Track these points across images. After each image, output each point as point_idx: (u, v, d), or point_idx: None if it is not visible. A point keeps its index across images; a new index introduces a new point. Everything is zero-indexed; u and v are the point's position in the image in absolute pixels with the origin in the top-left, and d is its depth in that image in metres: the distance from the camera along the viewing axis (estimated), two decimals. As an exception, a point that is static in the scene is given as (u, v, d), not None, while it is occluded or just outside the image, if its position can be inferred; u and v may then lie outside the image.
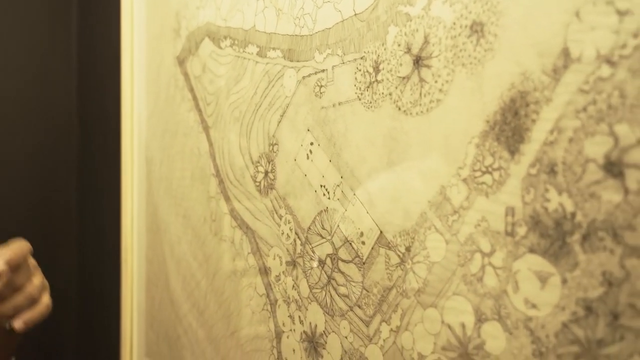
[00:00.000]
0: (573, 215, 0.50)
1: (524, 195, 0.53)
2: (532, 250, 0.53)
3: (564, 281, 0.50)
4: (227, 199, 0.98)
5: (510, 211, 0.55)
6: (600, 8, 0.48)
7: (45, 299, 0.83)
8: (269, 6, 0.88)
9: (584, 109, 0.49)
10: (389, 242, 0.68)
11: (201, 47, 1.05)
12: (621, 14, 0.46)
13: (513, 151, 0.54)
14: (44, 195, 1.72)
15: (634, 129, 0.46)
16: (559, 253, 0.51)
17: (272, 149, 0.87)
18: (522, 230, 0.54)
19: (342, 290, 0.74)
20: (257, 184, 0.91)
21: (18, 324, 0.79)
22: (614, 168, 0.47)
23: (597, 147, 0.48)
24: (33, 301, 0.81)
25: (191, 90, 1.08)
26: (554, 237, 0.51)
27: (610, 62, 0.47)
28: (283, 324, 0.85)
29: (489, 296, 0.57)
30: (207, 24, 1.03)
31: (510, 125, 0.55)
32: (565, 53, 0.50)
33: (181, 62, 1.12)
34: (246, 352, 0.93)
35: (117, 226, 1.35)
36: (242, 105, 0.94)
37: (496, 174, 0.56)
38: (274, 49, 0.87)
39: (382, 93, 0.68)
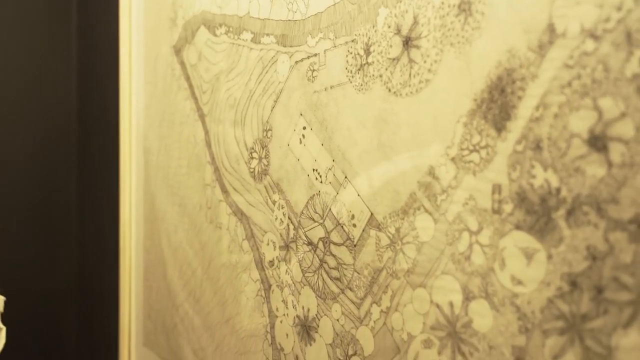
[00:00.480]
0: (558, 190, 0.50)
1: (510, 173, 0.54)
2: (518, 227, 0.53)
3: (550, 257, 0.50)
4: (223, 187, 0.98)
5: (497, 189, 0.55)
6: (584, -18, 0.48)
7: None
8: (262, -8, 0.88)
9: (569, 84, 0.49)
10: (379, 224, 0.68)
11: (197, 36, 1.05)
12: (605, -13, 0.46)
13: (500, 128, 0.54)
14: (43, 188, 1.73)
15: (617, 102, 0.46)
16: (545, 229, 0.51)
17: (266, 134, 0.87)
18: (508, 208, 0.54)
19: (334, 273, 0.74)
20: (252, 170, 0.91)
21: None
22: (597, 142, 0.47)
23: (581, 122, 0.48)
24: None
25: (187, 79, 1.09)
26: (539, 213, 0.51)
27: (594, 36, 0.47)
28: (277, 309, 0.86)
29: (476, 274, 0.57)
30: (202, 12, 1.04)
31: (497, 103, 0.55)
32: (551, 29, 0.50)
33: (177, 51, 1.12)
34: (241, 339, 0.94)
35: (116, 216, 1.35)
36: (237, 92, 0.94)
37: (483, 152, 0.56)
38: (267, 34, 0.87)
39: (373, 75, 0.68)
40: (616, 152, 0.46)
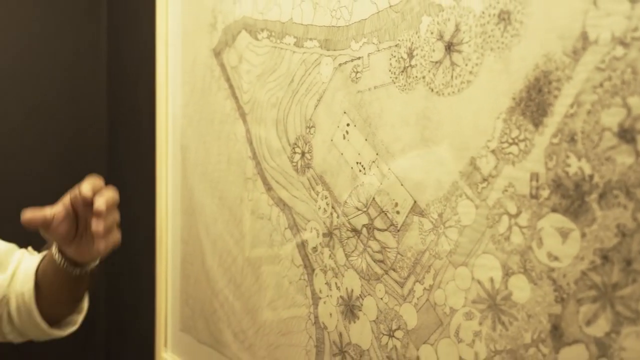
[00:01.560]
0: (591, 177, 0.57)
1: (547, 162, 0.61)
2: (554, 210, 0.61)
3: (583, 235, 0.58)
4: (264, 180, 1.06)
5: (534, 177, 0.62)
6: (615, -3, 0.55)
7: (117, 233, 0.89)
8: (305, 0, 0.95)
9: (601, 85, 0.56)
10: (422, 210, 0.75)
11: (238, 40, 1.13)
12: (633, 1, 0.54)
13: (537, 124, 0.62)
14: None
15: (644, 100, 0.53)
16: (579, 211, 0.58)
17: (309, 131, 0.95)
18: (545, 193, 0.61)
19: (378, 256, 0.82)
20: (294, 164, 0.98)
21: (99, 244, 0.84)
22: (627, 135, 0.54)
23: (612, 118, 0.55)
24: (110, 231, 0.87)
25: (227, 80, 1.16)
26: (574, 197, 0.59)
27: (623, 43, 0.55)
28: (320, 290, 0.93)
29: (515, 252, 0.64)
30: (243, 17, 1.11)
31: (534, 101, 0.62)
32: (584, 36, 0.58)
33: (217, 54, 1.20)
34: (283, 320, 1.01)
35: (152, 210, 1.43)
36: (279, 92, 1.02)
37: (522, 145, 0.64)
38: (310, 39, 0.94)
39: (416, 76, 0.76)
40: (643, 143, 0.53)
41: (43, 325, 0.98)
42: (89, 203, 0.83)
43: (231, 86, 1.15)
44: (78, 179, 0.88)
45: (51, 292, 0.97)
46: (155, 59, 1.41)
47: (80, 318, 1.04)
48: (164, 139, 1.39)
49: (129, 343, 1.65)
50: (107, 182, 0.88)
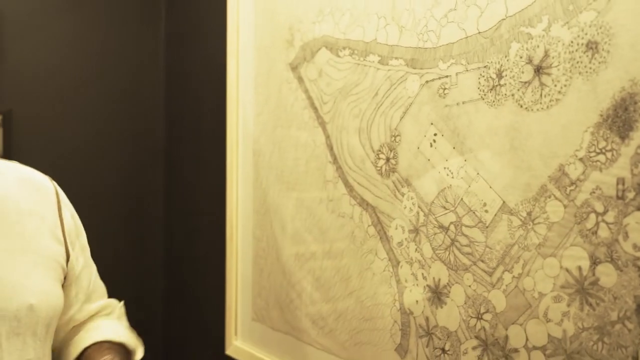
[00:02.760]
0: (673, 181, 0.70)
1: (632, 169, 0.74)
2: (639, 209, 0.73)
3: (666, 229, 0.70)
4: (346, 182, 1.18)
5: (620, 181, 0.75)
6: (696, 34, 0.68)
7: None
8: (390, 23, 1.08)
9: (683, 106, 0.69)
10: (511, 210, 0.88)
11: (317, 56, 1.25)
12: None
13: (623, 137, 0.74)
14: (136, 186, 1.92)
15: None
16: (662, 209, 0.71)
17: (394, 139, 1.07)
18: (631, 195, 0.74)
19: (466, 249, 0.94)
20: (378, 168, 1.11)
21: None
22: None
23: (692, 133, 0.68)
24: None
25: (305, 91, 1.28)
26: (657, 198, 0.71)
27: (703, 72, 0.67)
28: (405, 280, 1.06)
29: (602, 244, 0.77)
30: (324, 36, 1.23)
31: (621, 118, 0.75)
32: (667, 66, 0.70)
33: (294, 67, 1.32)
34: (367, 307, 1.14)
35: (223, 211, 1.55)
36: (362, 104, 1.14)
37: (609, 154, 0.76)
38: (396, 58, 1.07)
39: (505, 94, 0.88)
40: None
41: None
42: None
43: (309, 97, 1.27)
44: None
45: None
46: (226, 71, 1.53)
47: None
48: (234, 145, 1.51)
49: (192, 335, 1.76)
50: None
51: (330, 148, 1.22)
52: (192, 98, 1.79)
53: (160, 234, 1.96)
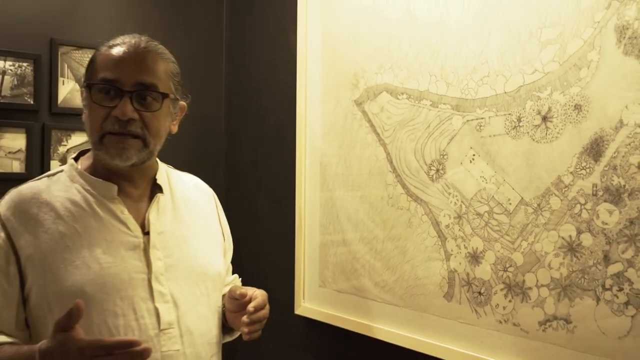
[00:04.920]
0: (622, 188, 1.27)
1: (601, 179, 1.30)
2: (606, 201, 1.30)
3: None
4: (403, 185, 1.72)
5: (594, 185, 1.32)
6: None
7: (258, 331, 1.39)
8: (440, 80, 1.62)
9: (629, 144, 1.26)
10: (526, 202, 1.44)
11: (379, 97, 1.79)
12: (645, 109, 1.24)
13: (596, 160, 1.31)
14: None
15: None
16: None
17: (443, 157, 1.62)
18: (600, 193, 1.30)
19: (496, 228, 1.50)
20: (430, 176, 1.65)
21: (246, 336, 1.37)
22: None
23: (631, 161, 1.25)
24: (253, 324, 1.35)
25: (369, 121, 1.82)
26: (615, 196, 1.28)
27: (640, 127, 1.24)
28: (451, 250, 1.61)
29: (584, 222, 1.34)
30: (385, 83, 1.77)
31: (594, 149, 1.31)
32: (621, 122, 1.27)
33: (359, 104, 1.85)
34: (420, 270, 1.68)
35: (292, 207, 2.07)
36: (417, 132, 1.68)
37: (587, 170, 1.33)
38: (444, 104, 1.62)
39: (523, 132, 1.44)
40: (649, 171, 1.23)
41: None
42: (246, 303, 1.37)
43: (372, 125, 1.81)
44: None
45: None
46: (296, 102, 2.05)
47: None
48: (302, 156, 2.03)
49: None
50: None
51: (390, 162, 1.76)
52: (255, 116, 2.31)
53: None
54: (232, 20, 2.55)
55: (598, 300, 1.31)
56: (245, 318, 1.32)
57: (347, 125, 1.90)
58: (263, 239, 2.29)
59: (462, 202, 1.58)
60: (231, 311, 1.43)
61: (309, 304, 2.04)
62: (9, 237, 1.27)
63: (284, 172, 2.13)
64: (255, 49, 2.37)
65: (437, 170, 1.64)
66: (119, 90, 1.28)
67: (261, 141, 2.29)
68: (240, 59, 2.42)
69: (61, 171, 1.40)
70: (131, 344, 1.07)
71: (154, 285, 1.29)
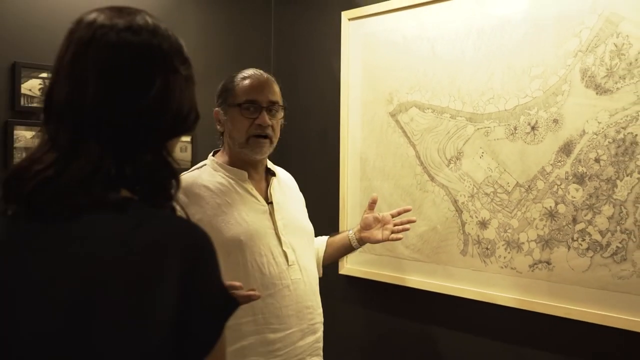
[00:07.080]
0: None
1: (572, 168, 1.99)
2: (574, 182, 1.99)
3: (583, 190, 1.97)
4: (429, 174, 2.39)
5: (567, 173, 2.01)
6: None
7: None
8: (457, 100, 2.30)
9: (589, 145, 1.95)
10: (520, 185, 2.12)
11: (410, 110, 2.45)
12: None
13: (567, 155, 2.01)
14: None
15: None
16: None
17: (459, 154, 2.29)
18: (571, 178, 1.99)
19: (499, 203, 2.18)
20: (450, 167, 2.32)
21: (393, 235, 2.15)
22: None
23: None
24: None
25: (401, 128, 2.48)
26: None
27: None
28: (466, 220, 2.28)
29: (559, 197, 2.03)
30: (414, 100, 2.43)
31: (567, 148, 2.01)
32: (583, 131, 1.96)
33: (393, 115, 2.51)
34: (443, 234, 2.35)
35: (336, 191, 2.72)
36: (439, 136, 2.35)
37: (561, 162, 2.02)
38: (460, 116, 2.29)
39: (518, 137, 2.12)
40: None
41: (320, 267, 2.24)
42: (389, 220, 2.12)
43: (404, 131, 2.47)
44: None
45: (329, 254, 2.24)
46: (340, 112, 2.70)
47: None
48: (346, 154, 2.68)
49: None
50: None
51: (418, 157, 2.43)
52: (301, 124, 2.94)
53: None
54: (279, 53, 3.16)
55: (569, 248, 2.00)
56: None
57: (384, 130, 2.56)
58: (313, 220, 2.93)
59: (473, 185, 2.26)
60: (365, 229, 2.14)
61: (351, 265, 2.69)
62: (182, 208, 1.88)
63: (329, 168, 2.78)
64: (302, 73, 3.00)
65: (455, 163, 2.31)
66: (259, 107, 1.91)
67: (307, 145, 2.92)
68: (288, 81, 3.05)
69: (204, 165, 2.01)
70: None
71: (280, 236, 1.92)
